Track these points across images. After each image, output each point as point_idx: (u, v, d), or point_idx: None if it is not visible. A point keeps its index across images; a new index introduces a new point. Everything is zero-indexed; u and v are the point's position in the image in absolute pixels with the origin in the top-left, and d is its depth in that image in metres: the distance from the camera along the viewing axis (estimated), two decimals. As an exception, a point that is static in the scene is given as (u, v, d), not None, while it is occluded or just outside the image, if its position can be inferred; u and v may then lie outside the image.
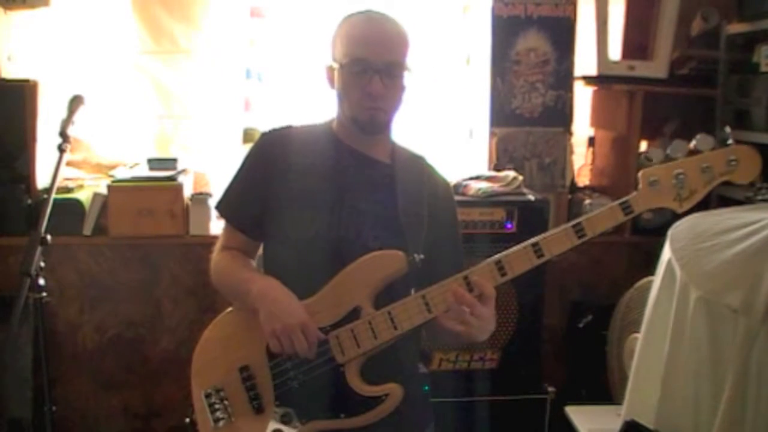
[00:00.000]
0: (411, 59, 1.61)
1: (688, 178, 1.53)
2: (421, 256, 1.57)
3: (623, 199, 1.54)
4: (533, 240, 1.54)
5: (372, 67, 1.55)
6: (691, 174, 1.53)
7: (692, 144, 1.57)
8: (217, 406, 1.63)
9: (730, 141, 1.55)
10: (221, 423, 1.62)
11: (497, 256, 1.54)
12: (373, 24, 1.60)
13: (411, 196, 1.65)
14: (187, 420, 1.69)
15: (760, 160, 1.54)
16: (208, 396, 1.64)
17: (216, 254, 1.73)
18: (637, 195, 1.54)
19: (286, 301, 1.54)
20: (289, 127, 1.72)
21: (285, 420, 1.57)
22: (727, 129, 1.55)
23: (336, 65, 1.61)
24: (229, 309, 1.71)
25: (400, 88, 1.60)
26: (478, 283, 1.51)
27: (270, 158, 1.67)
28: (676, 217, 1.91)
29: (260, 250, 1.75)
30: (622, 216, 1.54)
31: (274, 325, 1.52)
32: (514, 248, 1.54)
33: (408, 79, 1.61)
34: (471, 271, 1.53)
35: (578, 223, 1.53)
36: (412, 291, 1.60)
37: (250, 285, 1.59)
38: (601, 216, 1.54)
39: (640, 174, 1.55)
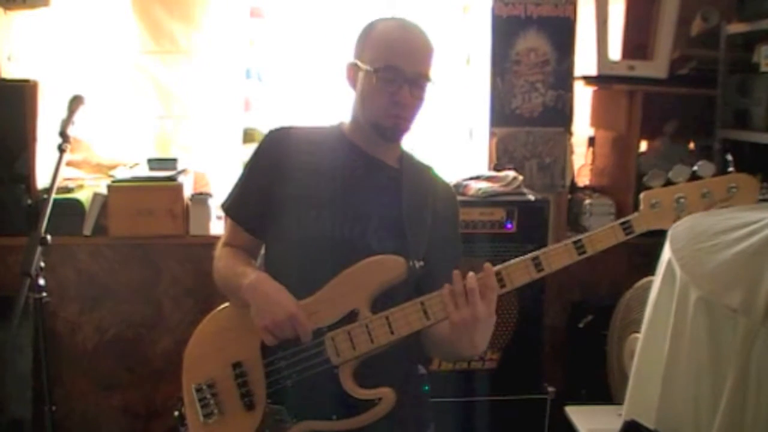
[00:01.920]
0: (435, 71, 1.64)
1: (689, 202, 1.59)
2: (421, 263, 1.58)
3: (624, 219, 1.59)
4: (534, 254, 1.55)
5: (403, 76, 1.57)
6: (692, 198, 1.59)
7: (694, 169, 1.64)
8: (207, 401, 1.62)
9: (731, 169, 1.61)
10: (211, 418, 1.62)
11: (497, 267, 1.54)
12: (408, 33, 1.62)
13: (416, 201, 1.66)
14: (176, 413, 1.69)
15: (758, 188, 1.61)
16: (199, 390, 1.64)
17: (218, 250, 1.73)
18: (639, 216, 1.59)
19: (275, 295, 1.54)
20: (295, 126, 1.73)
21: (276, 418, 1.56)
22: (729, 157, 1.63)
23: (363, 67, 1.61)
24: (225, 304, 1.70)
25: (424, 99, 1.62)
26: (484, 277, 1.50)
27: (275, 155, 1.67)
28: (676, 217, 1.92)
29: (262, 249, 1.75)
30: (623, 235, 1.59)
31: (265, 319, 1.52)
32: (514, 261, 1.55)
33: (430, 90, 1.63)
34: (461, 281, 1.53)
35: (579, 240, 1.56)
36: (412, 296, 1.59)
37: (241, 279, 1.58)
38: (602, 234, 1.58)
39: (641, 196, 1.61)
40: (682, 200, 1.58)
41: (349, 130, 1.70)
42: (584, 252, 1.56)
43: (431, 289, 1.54)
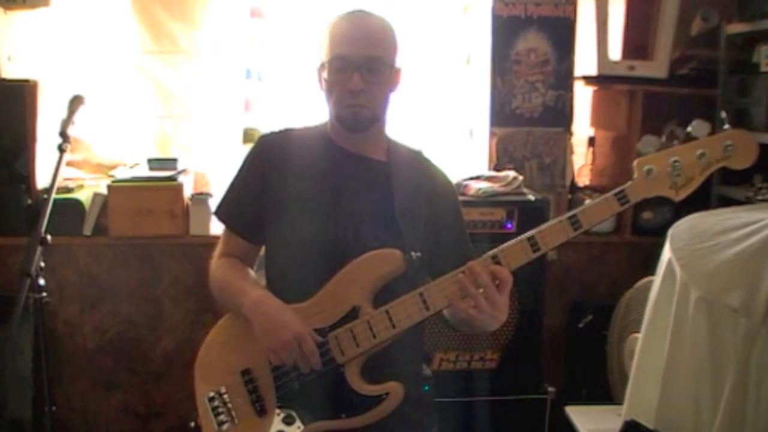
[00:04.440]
0: (399, 56, 1.62)
1: (684, 165, 1.51)
2: (419, 254, 1.57)
3: (618, 189, 1.53)
4: (529, 233, 1.53)
5: (351, 63, 1.55)
6: (687, 161, 1.51)
7: (688, 130, 1.55)
8: (220, 410, 1.63)
9: (726, 126, 1.53)
10: (225, 426, 1.62)
11: (493, 251, 1.54)
12: (354, 21, 1.60)
13: (408, 193, 1.64)
14: (192, 424, 1.70)
15: (756, 145, 1.51)
16: (211, 399, 1.64)
17: (214, 261, 1.73)
18: (633, 184, 1.52)
19: (278, 315, 1.54)
20: (285, 130, 1.72)
21: (287, 421, 1.57)
22: (723, 114, 1.53)
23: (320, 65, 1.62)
24: (230, 313, 1.70)
25: (383, 84, 1.59)
26: (497, 270, 1.50)
27: (267, 161, 1.67)
28: (676, 217, 1.91)
29: (261, 252, 1.75)
30: (618, 206, 1.52)
31: (270, 341, 1.53)
32: (510, 242, 1.54)
33: (392, 74, 1.60)
34: (468, 266, 1.52)
35: (573, 215, 1.52)
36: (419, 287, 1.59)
37: (242, 298, 1.59)
38: (597, 207, 1.52)
39: (635, 163, 1.53)
40: (677, 163, 1.50)
41: (330, 129, 1.70)
42: (580, 227, 1.51)
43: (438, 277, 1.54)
